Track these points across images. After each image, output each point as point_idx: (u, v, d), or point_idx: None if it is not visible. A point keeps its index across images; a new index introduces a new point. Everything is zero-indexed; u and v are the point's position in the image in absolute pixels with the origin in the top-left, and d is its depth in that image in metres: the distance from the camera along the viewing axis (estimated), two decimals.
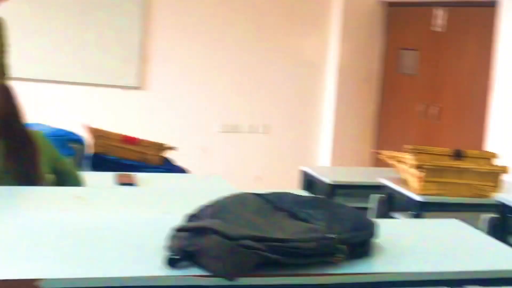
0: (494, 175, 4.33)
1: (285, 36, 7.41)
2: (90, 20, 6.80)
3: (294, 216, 2.23)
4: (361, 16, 7.50)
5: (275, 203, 2.33)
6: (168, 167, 4.62)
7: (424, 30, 7.00)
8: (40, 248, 2.06)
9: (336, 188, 4.79)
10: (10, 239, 2.14)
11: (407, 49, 7.28)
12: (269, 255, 1.95)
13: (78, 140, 4.53)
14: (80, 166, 4.31)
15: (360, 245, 2.15)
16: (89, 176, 3.81)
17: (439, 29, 6.75)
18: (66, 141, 4.41)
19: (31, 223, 2.36)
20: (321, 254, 2.03)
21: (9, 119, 3.39)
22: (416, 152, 4.37)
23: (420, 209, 4.25)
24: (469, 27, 6.47)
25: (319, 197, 2.52)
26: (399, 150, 4.57)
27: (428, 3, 6.85)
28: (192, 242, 1.97)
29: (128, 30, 6.93)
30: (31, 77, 6.17)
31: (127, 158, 4.56)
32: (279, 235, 2.03)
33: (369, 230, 2.21)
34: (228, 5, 7.18)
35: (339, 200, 4.78)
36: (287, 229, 2.09)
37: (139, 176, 3.96)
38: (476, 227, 4.01)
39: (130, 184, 3.78)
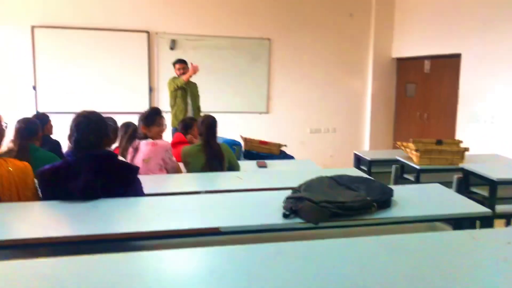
0: (460, 153, 4.14)
1: (342, 78, 7.29)
2: (241, 74, 6.86)
3: (348, 188, 2.24)
4: (383, 65, 7.26)
5: (338, 180, 2.33)
6: (283, 156, 4.64)
7: (418, 72, 6.74)
8: (218, 208, 2.11)
9: (372, 162, 4.67)
10: (201, 204, 2.18)
11: (410, 82, 7.01)
12: (336, 210, 1.97)
13: (237, 144, 4.60)
14: (239, 158, 4.40)
15: (384, 202, 2.13)
16: (243, 163, 3.87)
17: (425, 71, 6.53)
18: (232, 145, 4.50)
19: (212, 196, 2.37)
20: (363, 208, 2.04)
21: (209, 138, 3.44)
22: (415, 142, 4.25)
23: (418, 173, 4.10)
24: (444, 69, 6.20)
25: (362, 176, 2.48)
26: (407, 140, 4.43)
27: (421, 57, 6.59)
28: (296, 205, 2.01)
29: (260, 80, 6.95)
30: (212, 110, 6.32)
31: (262, 152, 4.61)
32: (340, 199, 2.04)
33: (389, 194, 2.19)
34: (310, 67, 7.12)
35: (374, 169, 4.70)
36: (345, 196, 2.10)
37: (268, 162, 3.96)
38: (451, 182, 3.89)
39: (264, 167, 3.78)
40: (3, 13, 5.96)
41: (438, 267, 1.45)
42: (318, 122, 7.30)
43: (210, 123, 3.46)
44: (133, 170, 2.29)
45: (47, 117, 3.84)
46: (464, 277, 1.40)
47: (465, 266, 1.48)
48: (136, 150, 3.15)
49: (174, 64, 5.46)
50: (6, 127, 2.34)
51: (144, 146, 3.17)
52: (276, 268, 1.43)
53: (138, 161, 3.11)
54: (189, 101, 5.40)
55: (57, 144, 3.58)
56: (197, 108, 5.50)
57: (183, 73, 5.31)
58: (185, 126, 4.09)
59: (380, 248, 1.61)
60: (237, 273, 1.38)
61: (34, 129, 2.98)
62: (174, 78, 5.36)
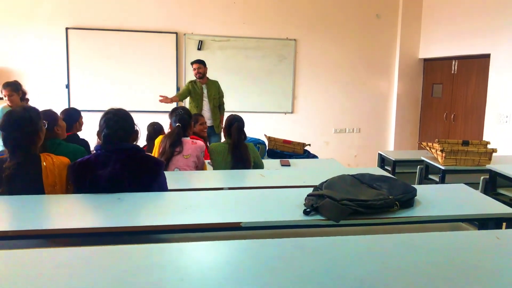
0: (488, 154, 4.02)
1: (367, 78, 7.20)
2: (266, 74, 6.87)
3: (370, 186, 2.21)
4: (410, 66, 7.13)
5: (360, 179, 2.30)
6: (307, 155, 4.61)
7: (445, 73, 6.59)
8: (240, 204, 2.11)
9: (396, 162, 4.60)
10: (224, 200, 2.18)
11: (436, 83, 6.86)
12: (357, 208, 1.95)
13: (262, 143, 4.58)
14: (262, 157, 4.39)
15: (407, 201, 2.09)
16: (267, 162, 3.86)
17: (452, 72, 6.36)
18: (256, 143, 4.48)
19: (235, 193, 2.37)
20: (385, 207, 2.01)
21: (239, 141, 3.42)
22: (441, 142, 4.16)
23: (443, 173, 4.01)
24: (472, 69, 6.03)
25: (384, 175, 2.44)
26: (433, 141, 4.34)
27: (448, 57, 6.44)
28: (316, 202, 2.00)
29: (286, 80, 6.93)
30: (237, 110, 6.34)
31: (286, 151, 4.59)
32: (362, 197, 2.02)
33: (411, 193, 2.15)
34: (336, 67, 7.06)
35: (399, 169, 4.63)
36: (367, 194, 2.07)
37: (292, 160, 3.97)
38: (478, 183, 3.79)
39: (287, 165, 3.78)
40: (40, 15, 6.14)
41: (460, 266, 1.42)
42: (342, 122, 7.23)
43: (239, 126, 3.44)
44: (158, 163, 2.33)
45: (79, 113, 3.71)
46: (486, 276, 1.36)
47: (488, 265, 1.44)
48: (182, 146, 3.25)
49: (192, 64, 5.48)
50: (45, 125, 2.38)
51: (186, 143, 3.28)
52: (294, 262, 1.42)
53: (180, 156, 3.20)
54: (204, 102, 5.42)
55: (85, 144, 3.49)
56: (216, 107, 5.49)
57: (198, 73, 5.36)
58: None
59: (400, 246, 1.58)
60: (255, 266, 1.38)
61: (51, 122, 2.79)
62: (189, 82, 5.46)
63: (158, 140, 3.37)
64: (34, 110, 2.29)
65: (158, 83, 6.53)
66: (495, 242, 1.63)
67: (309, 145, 4.76)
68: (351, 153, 7.20)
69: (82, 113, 3.77)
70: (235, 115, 3.59)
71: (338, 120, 7.21)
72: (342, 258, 1.47)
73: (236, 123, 3.44)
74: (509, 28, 5.19)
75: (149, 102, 6.48)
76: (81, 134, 3.66)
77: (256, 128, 6.06)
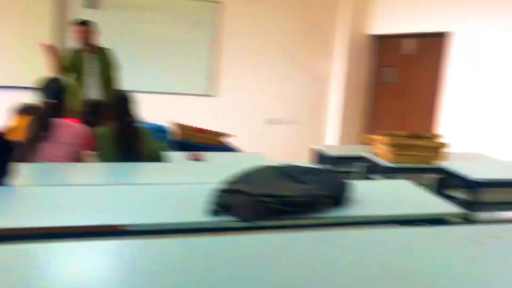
0: (438, 150, 4.24)
1: (304, 59, 7.32)
2: (180, 45, 6.79)
3: (297, 180, 2.22)
4: (355, 45, 7.31)
5: (285, 171, 2.31)
6: (225, 147, 4.60)
7: (398, 53, 6.86)
8: (126, 204, 2.06)
9: (335, 159, 4.69)
10: (105, 199, 2.12)
11: (387, 66, 7.12)
12: (278, 206, 1.96)
13: (165, 131, 4.46)
14: (167, 149, 4.27)
15: (338, 198, 2.14)
16: (174, 155, 3.72)
17: (407, 53, 6.66)
18: (158, 131, 4.35)
19: (120, 189, 2.30)
20: (311, 205, 2.03)
21: (122, 123, 3.31)
22: (389, 135, 4.31)
23: (388, 171, 4.15)
24: (429, 50, 6.34)
25: (314, 167, 2.49)
26: (381, 133, 4.48)
27: (399, 35, 6.71)
28: (227, 199, 1.98)
29: (205, 57, 6.88)
30: (140, 89, 6.18)
31: (200, 142, 4.53)
32: (284, 192, 2.03)
33: (344, 189, 2.20)
34: (268, 42, 7.12)
35: (340, 167, 4.74)
36: (290, 189, 2.09)
37: (208, 154, 3.86)
38: (425, 183, 4.00)
39: (198, 160, 3.69)
40: None
41: (389, 265, 1.50)
42: (273, 112, 7.32)
43: (124, 107, 3.33)
44: (10, 146, 2.29)
45: None
46: (419, 274, 1.45)
47: (422, 263, 1.52)
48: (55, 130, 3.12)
49: (74, 25, 5.07)
50: None
51: (61, 127, 3.16)
52: (182, 265, 1.43)
53: (53, 143, 3.08)
54: (90, 76, 5.05)
55: None
56: (108, 82, 5.11)
57: (84, 38, 4.97)
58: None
59: (321, 245, 1.63)
60: (129, 270, 1.36)
61: None
62: (74, 51, 5.11)
63: (24, 123, 3.20)
64: None
65: (24, 50, 6.03)
66: (431, 241, 1.73)
67: (229, 135, 4.75)
68: (285, 148, 7.28)
69: None
70: (121, 92, 3.50)
71: (271, 108, 7.29)
72: (247, 259, 1.49)
73: (120, 103, 3.34)
74: (477, 2, 5.48)
75: (9, 75, 6.08)
76: None
77: (164, 113, 5.95)
